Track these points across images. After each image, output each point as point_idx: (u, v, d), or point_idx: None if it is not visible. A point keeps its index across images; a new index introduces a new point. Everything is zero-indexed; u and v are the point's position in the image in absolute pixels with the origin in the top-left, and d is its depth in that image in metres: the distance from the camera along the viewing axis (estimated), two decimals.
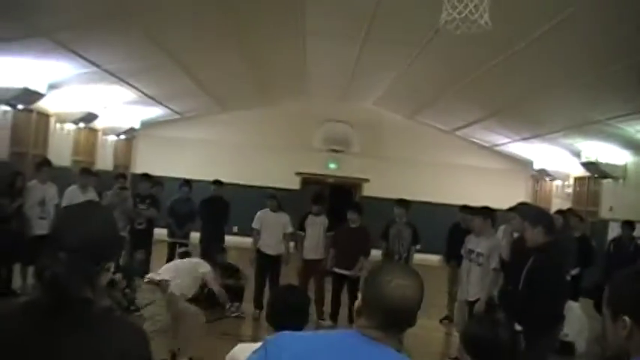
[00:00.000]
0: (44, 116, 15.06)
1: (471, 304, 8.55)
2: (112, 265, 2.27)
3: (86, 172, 12.18)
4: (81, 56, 11.83)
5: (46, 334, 2.04)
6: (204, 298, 11.43)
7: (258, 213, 11.63)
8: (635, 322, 2.08)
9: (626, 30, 8.61)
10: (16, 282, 10.26)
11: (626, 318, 2.10)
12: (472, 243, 8.89)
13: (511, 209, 8.71)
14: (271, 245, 11.43)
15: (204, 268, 8.58)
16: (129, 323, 2.27)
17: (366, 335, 2.26)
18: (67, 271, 2.05)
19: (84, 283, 2.10)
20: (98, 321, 2.10)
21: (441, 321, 11.90)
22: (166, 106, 19.32)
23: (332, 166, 22.38)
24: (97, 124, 17.89)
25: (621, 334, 2.11)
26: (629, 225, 12.51)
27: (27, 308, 2.14)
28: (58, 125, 15.78)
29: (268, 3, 10.98)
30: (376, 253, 11.07)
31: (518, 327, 6.11)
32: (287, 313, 4.01)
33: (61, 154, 15.59)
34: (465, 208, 11.64)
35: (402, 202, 11.15)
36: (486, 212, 8.89)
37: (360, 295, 2.37)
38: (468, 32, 6.50)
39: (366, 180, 22.19)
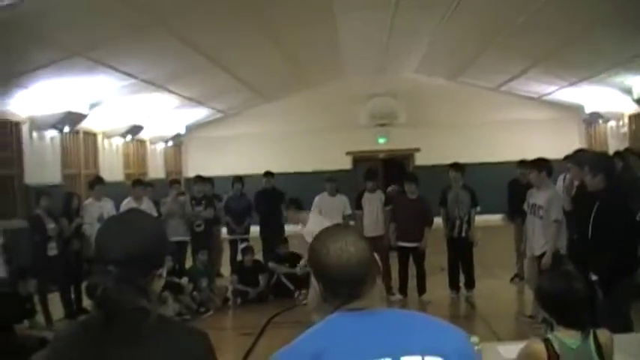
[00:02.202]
0: (91, 135, 15.28)
1: (538, 259, 8.36)
2: (163, 272, 2.24)
3: (139, 183, 12.27)
4: (117, 70, 11.94)
5: (101, 349, 2.02)
6: (272, 287, 11.52)
7: (316, 198, 11.52)
8: None
9: None
10: (87, 300, 10.42)
11: None
12: (534, 197, 8.68)
13: (567, 158, 8.47)
14: None
15: None
16: (187, 328, 2.24)
17: (350, 311, 2.13)
18: (117, 284, 2.02)
19: (137, 294, 2.07)
20: (154, 330, 2.06)
21: (511, 280, 11.70)
22: (209, 107, 19.44)
23: (381, 140, 22.23)
24: (144, 134, 18.08)
25: None
26: None
27: (85, 326, 2.15)
28: (105, 142, 16.01)
29: None
30: (437, 221, 10.94)
31: (593, 276, 5.95)
32: None
33: (112, 169, 15.82)
34: (523, 163, 11.39)
35: (457, 166, 10.98)
36: (540, 164, 8.65)
37: (315, 284, 2.22)
38: None
39: (417, 150, 22.04)
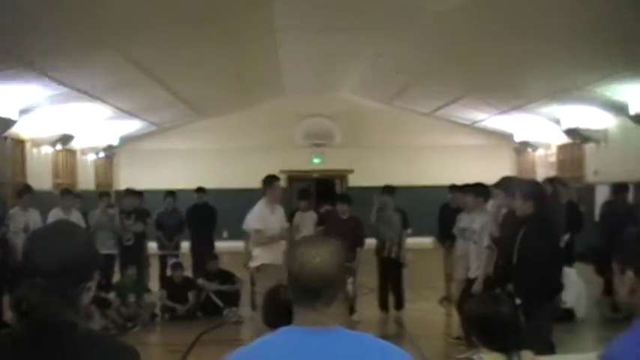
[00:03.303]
0: (19, 142, 14.87)
1: (471, 282, 8.48)
2: (92, 285, 2.18)
3: (67, 193, 11.98)
4: (51, 78, 11.67)
5: None
6: (201, 305, 11.40)
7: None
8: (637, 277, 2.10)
9: None
10: (8, 314, 10.11)
11: (630, 272, 2.13)
12: (464, 221, 8.80)
13: (495, 185, 8.63)
14: None
15: None
16: (117, 343, 2.19)
17: (301, 326, 2.23)
18: (44, 296, 1.96)
19: (64, 307, 2.01)
20: (82, 343, 2.01)
21: (440, 302, 11.86)
22: (143, 119, 19.15)
23: (316, 160, 22.36)
24: (75, 144, 17.69)
25: (625, 288, 2.14)
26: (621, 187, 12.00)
27: (9, 340, 2.06)
28: (34, 150, 15.59)
29: (235, 4, 10.85)
30: (369, 242, 11.00)
31: (517, 301, 6.07)
32: (278, 312, 3.97)
33: (40, 178, 15.38)
34: (454, 188, 11.56)
35: (388, 189, 11.11)
36: (478, 190, 8.78)
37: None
38: (439, 8, 6.42)
39: (351, 171, 22.17)
